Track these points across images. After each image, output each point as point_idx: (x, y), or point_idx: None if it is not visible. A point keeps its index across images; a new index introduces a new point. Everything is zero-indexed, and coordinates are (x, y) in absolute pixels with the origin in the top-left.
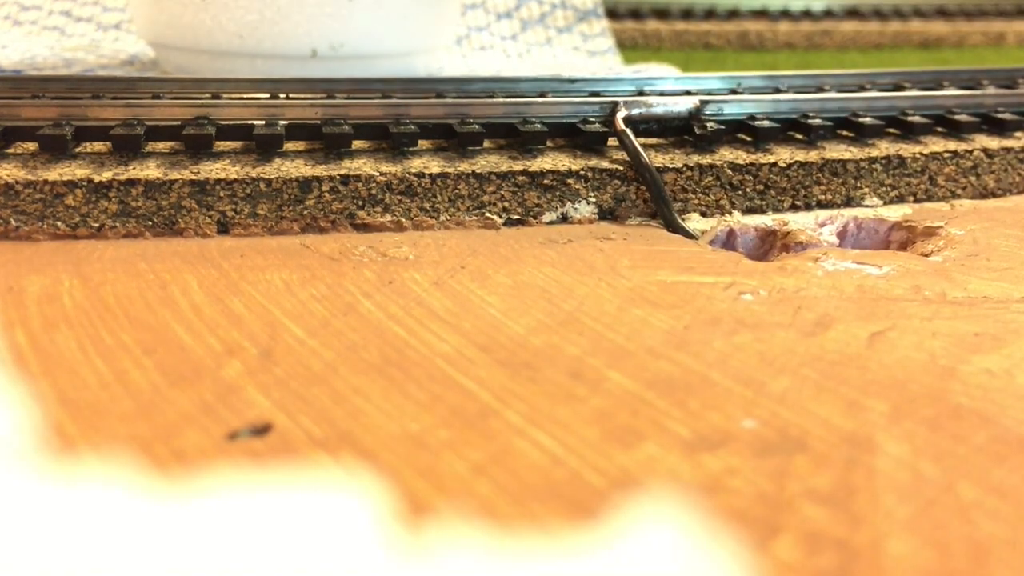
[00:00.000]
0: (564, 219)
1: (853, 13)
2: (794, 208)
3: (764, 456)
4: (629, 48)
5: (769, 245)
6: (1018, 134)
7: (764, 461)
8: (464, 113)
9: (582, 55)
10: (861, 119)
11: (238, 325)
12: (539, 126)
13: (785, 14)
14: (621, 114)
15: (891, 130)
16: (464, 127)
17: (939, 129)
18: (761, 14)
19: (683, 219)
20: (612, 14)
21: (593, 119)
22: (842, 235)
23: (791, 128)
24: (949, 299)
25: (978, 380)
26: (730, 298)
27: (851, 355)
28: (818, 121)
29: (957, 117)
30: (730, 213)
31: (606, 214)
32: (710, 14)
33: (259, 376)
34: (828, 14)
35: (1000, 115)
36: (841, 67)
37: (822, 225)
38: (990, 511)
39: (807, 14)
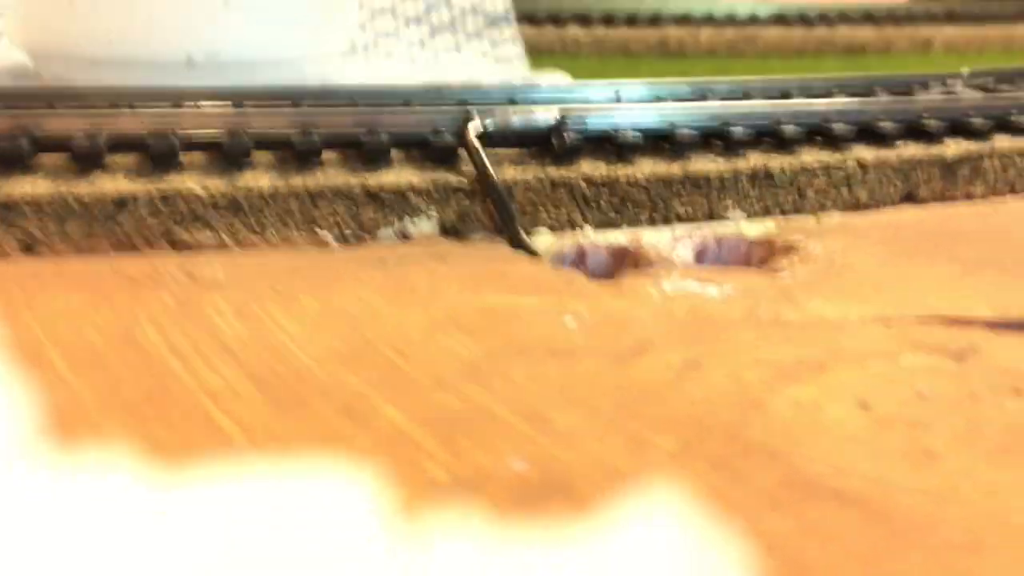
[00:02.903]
0: (404, 236)
1: (778, 19)
2: (652, 223)
3: (523, 500)
4: (546, 55)
5: (620, 263)
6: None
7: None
8: (307, 123)
9: (490, 61)
10: (732, 129)
11: None
12: (384, 138)
13: (709, 20)
14: (473, 124)
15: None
16: (304, 139)
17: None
18: (684, 20)
19: (532, 234)
20: (531, 19)
21: (445, 131)
22: (702, 252)
23: (661, 139)
24: (782, 321)
25: (783, 414)
26: (550, 322)
27: (657, 386)
28: (686, 132)
29: (834, 127)
30: (582, 228)
31: (449, 231)
32: (632, 20)
33: None
34: (752, 20)
35: (882, 125)
36: (760, 74)
37: (678, 241)
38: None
39: (731, 20)
